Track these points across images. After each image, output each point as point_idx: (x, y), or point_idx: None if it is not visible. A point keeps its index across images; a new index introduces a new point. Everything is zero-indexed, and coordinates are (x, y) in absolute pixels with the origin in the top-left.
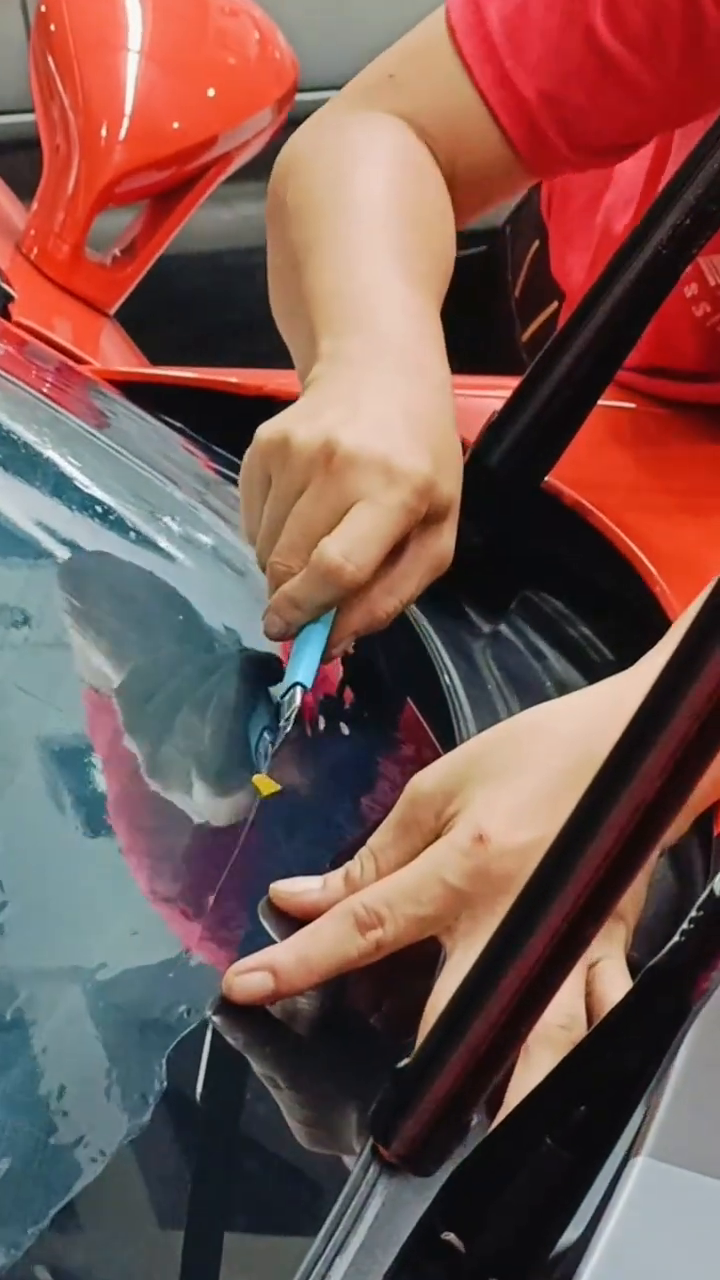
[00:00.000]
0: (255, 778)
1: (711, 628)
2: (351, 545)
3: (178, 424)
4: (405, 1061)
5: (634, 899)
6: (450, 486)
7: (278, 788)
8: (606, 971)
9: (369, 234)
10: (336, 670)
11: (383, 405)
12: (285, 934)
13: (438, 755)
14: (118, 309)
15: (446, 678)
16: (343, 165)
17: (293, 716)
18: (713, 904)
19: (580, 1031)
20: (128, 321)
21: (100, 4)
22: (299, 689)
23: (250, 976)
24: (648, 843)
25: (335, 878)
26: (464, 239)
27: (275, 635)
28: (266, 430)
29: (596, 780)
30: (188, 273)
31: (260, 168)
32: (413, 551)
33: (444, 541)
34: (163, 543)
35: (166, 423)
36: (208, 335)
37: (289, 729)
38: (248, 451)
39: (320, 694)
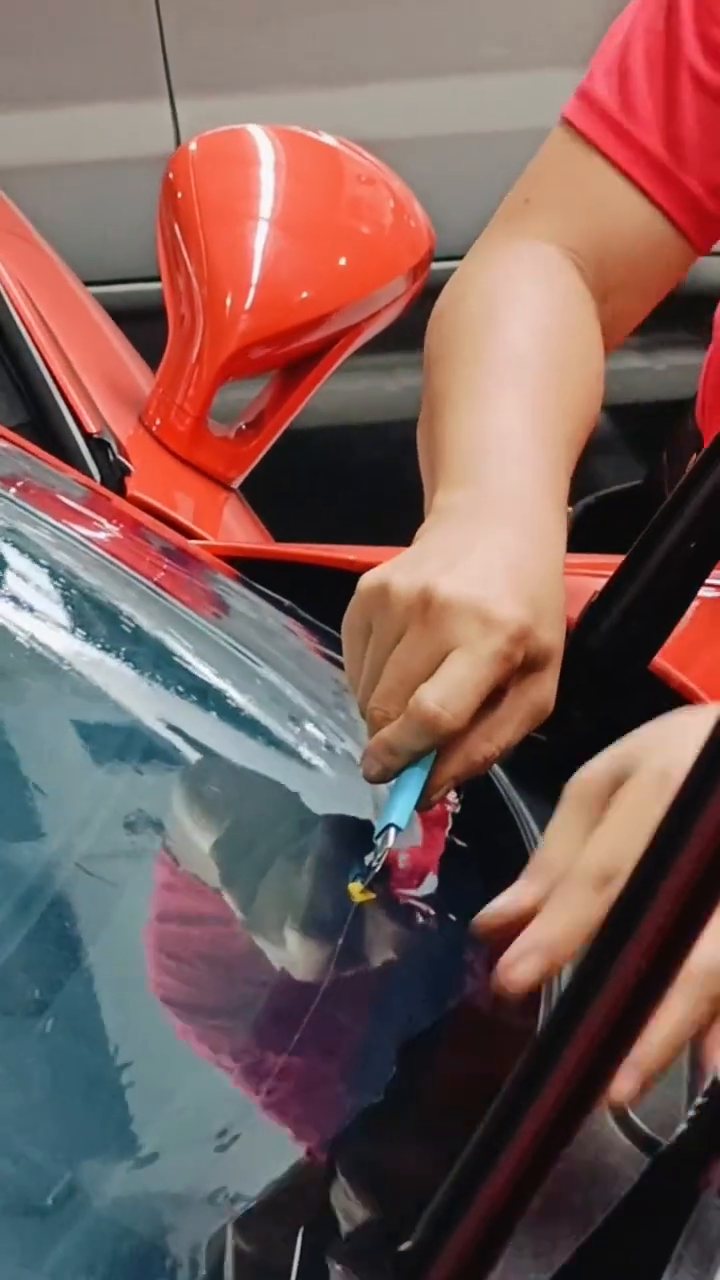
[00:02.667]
0: (350, 885)
1: None
2: (448, 693)
3: (287, 602)
4: (406, 1245)
5: None
6: (550, 635)
7: (371, 896)
8: None
9: (502, 385)
10: (430, 852)
11: (484, 556)
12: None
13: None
14: (285, 483)
15: None
16: (483, 311)
17: (383, 857)
18: (717, 1091)
19: None
20: (296, 494)
21: (229, 173)
22: (392, 830)
23: (526, 962)
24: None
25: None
26: (616, 470)
27: (373, 779)
28: (367, 579)
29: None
30: (356, 445)
31: (420, 336)
32: (512, 699)
33: (544, 690)
34: (260, 735)
35: (275, 601)
36: (378, 509)
37: (378, 868)
38: (351, 601)
39: (410, 882)
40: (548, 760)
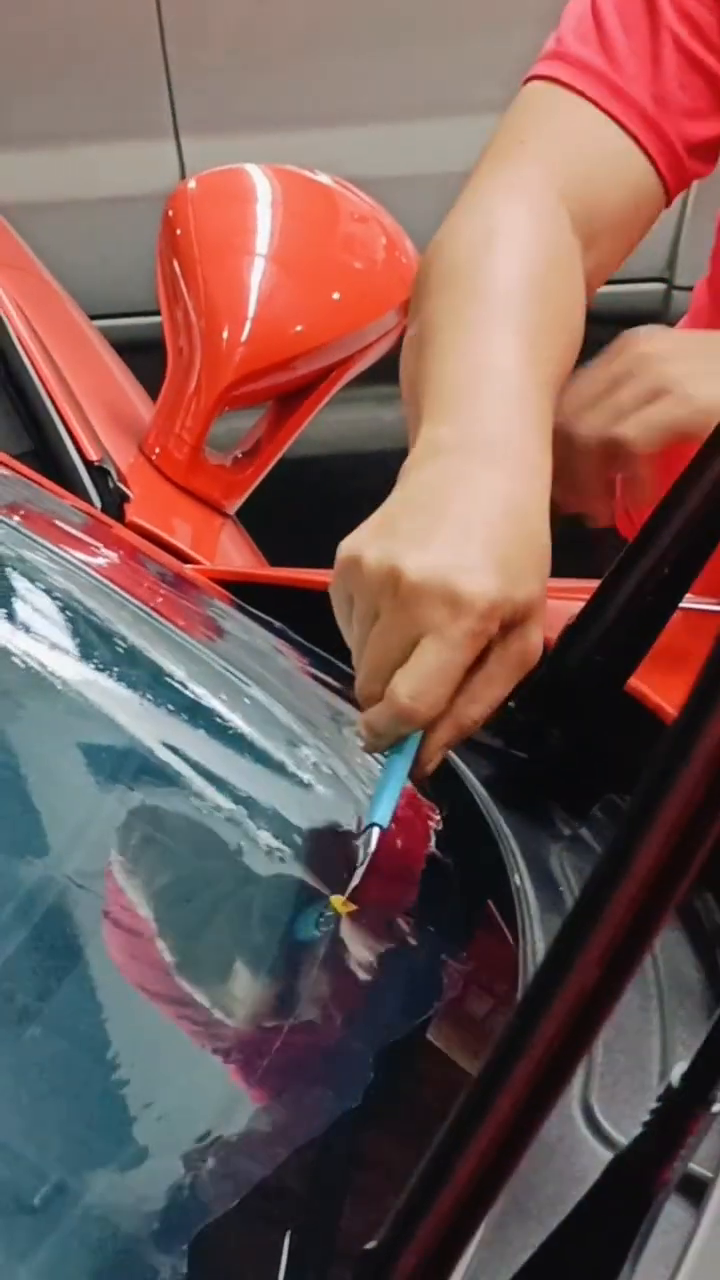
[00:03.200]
0: (333, 898)
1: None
2: (419, 685)
3: (278, 624)
4: (371, 1244)
5: None
6: (526, 591)
7: (354, 907)
8: None
9: (492, 315)
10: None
11: (462, 510)
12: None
13: (503, 956)
14: (283, 510)
15: (517, 879)
16: (477, 246)
17: (368, 858)
18: (672, 1095)
19: None
20: (294, 521)
21: (227, 210)
22: (375, 830)
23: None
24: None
25: None
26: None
27: (368, 751)
28: (343, 549)
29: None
30: (352, 473)
31: None
32: (496, 656)
33: (528, 640)
34: (249, 753)
35: (267, 623)
36: None
37: (362, 869)
38: (333, 571)
39: (392, 897)
40: (527, 778)
